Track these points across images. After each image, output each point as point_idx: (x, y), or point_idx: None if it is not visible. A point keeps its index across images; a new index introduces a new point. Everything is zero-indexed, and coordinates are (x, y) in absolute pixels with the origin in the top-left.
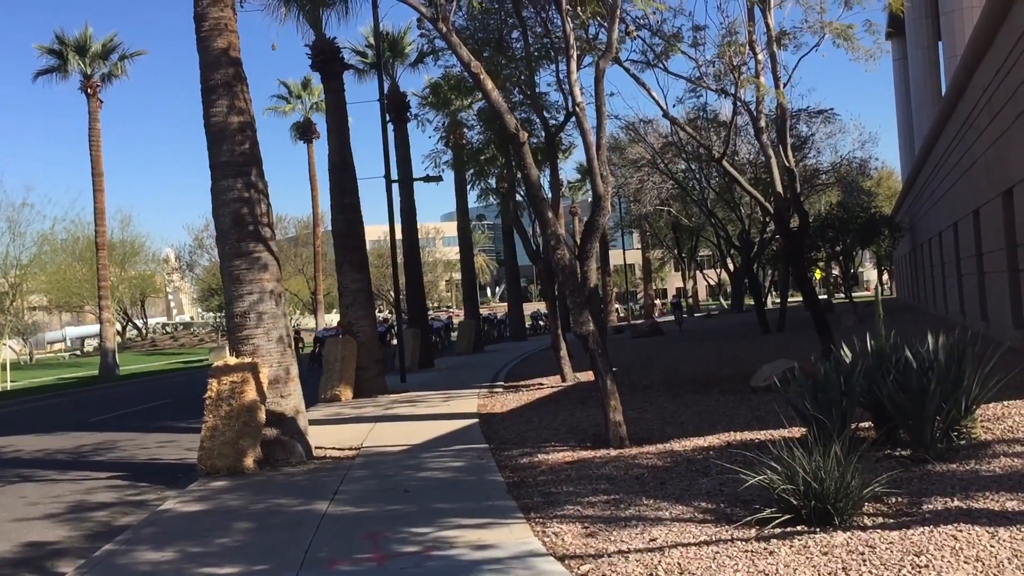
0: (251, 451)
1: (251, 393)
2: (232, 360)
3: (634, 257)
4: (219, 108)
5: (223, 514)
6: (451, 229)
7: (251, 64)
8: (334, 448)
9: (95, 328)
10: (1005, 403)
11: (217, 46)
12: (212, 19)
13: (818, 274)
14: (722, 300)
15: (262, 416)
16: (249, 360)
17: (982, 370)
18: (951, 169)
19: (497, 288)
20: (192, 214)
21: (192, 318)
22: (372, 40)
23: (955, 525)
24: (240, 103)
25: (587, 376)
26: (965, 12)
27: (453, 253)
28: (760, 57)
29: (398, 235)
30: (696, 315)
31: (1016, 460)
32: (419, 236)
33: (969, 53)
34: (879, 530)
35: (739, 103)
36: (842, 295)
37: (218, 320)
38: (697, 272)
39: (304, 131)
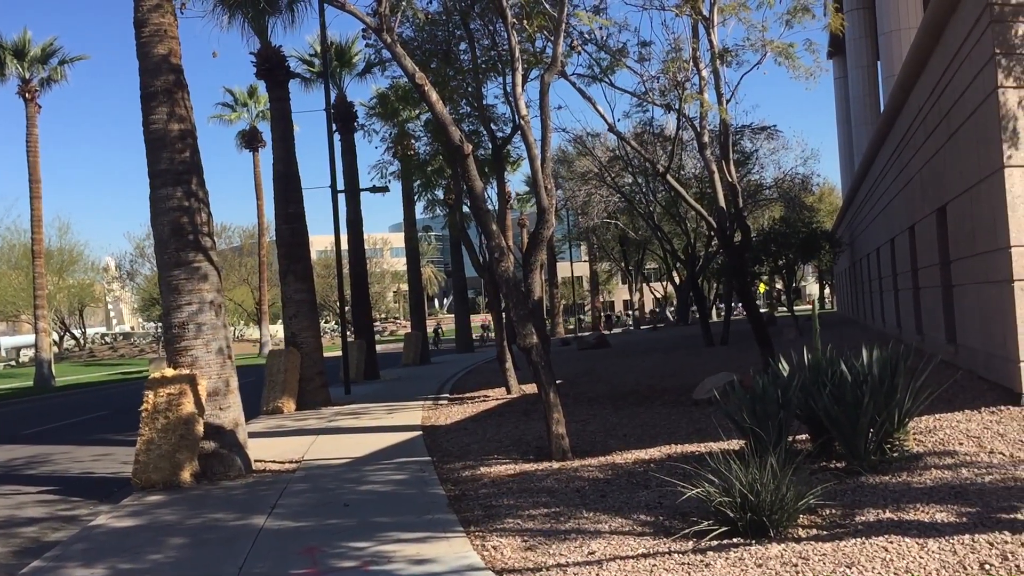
0: (188, 464)
1: (189, 405)
2: (169, 372)
3: (582, 269)
4: (159, 115)
5: (157, 529)
6: (399, 240)
7: (195, 71)
8: (274, 461)
9: (31, 338)
10: (937, 416)
11: (157, 52)
12: (152, 25)
13: (761, 288)
14: (667, 312)
15: (200, 429)
16: (187, 372)
17: (914, 383)
18: (888, 186)
19: (445, 299)
20: (133, 222)
21: (132, 328)
22: (319, 49)
23: (886, 536)
24: (181, 110)
25: (533, 388)
26: (902, 33)
27: (401, 264)
28: (704, 73)
29: (344, 245)
30: (642, 327)
31: (946, 472)
32: (366, 247)
33: (905, 73)
34: (813, 542)
35: (683, 118)
36: (784, 309)
37: (160, 331)
38: (644, 285)
39: (250, 139)
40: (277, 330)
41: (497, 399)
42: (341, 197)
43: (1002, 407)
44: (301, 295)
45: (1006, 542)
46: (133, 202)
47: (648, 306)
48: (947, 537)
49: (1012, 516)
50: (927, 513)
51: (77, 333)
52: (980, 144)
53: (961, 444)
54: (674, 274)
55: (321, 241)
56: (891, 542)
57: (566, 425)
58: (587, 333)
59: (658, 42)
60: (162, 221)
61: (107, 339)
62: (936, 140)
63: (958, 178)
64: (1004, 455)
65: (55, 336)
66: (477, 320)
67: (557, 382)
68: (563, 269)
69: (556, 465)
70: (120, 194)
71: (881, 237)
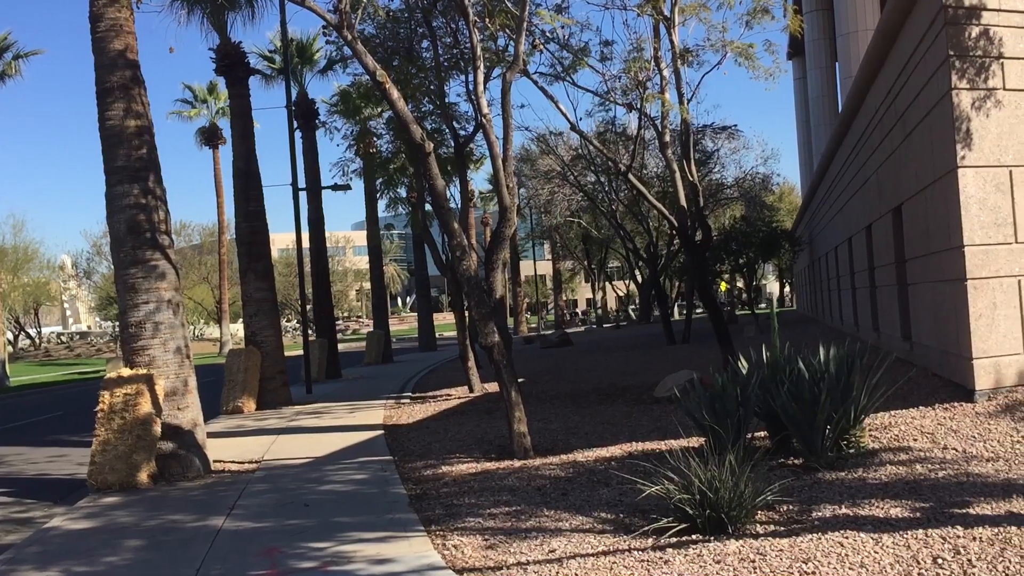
0: (145, 465)
1: (146, 406)
2: (126, 372)
3: (545, 268)
4: (115, 111)
5: (113, 531)
6: (362, 238)
7: (154, 67)
8: (233, 461)
9: None
10: (892, 412)
11: (114, 48)
12: (108, 20)
13: (723, 286)
14: (630, 311)
15: (157, 429)
16: (144, 372)
17: (870, 381)
18: (846, 186)
19: (408, 298)
20: (90, 219)
21: (89, 327)
22: (280, 45)
23: (842, 532)
24: (137, 107)
25: (495, 387)
26: (860, 35)
27: (364, 262)
28: (665, 73)
29: (305, 244)
30: (605, 325)
31: (901, 468)
32: (328, 245)
33: (862, 75)
34: (770, 538)
35: (645, 118)
36: (746, 307)
37: (117, 330)
38: (607, 283)
39: (210, 136)
40: (238, 329)
41: (460, 398)
42: (303, 195)
43: (955, 403)
44: (262, 294)
45: (958, 536)
46: (90, 199)
47: (611, 304)
48: (901, 532)
49: (964, 511)
50: (882, 509)
51: (32, 332)
52: (934, 145)
53: (915, 440)
54: (636, 273)
55: (283, 239)
56: (847, 537)
57: (528, 423)
58: (550, 331)
59: (620, 42)
60: (118, 219)
61: (63, 338)
62: (892, 141)
63: (913, 178)
64: (957, 451)
65: (9, 335)
66: (441, 319)
67: (519, 380)
68: (526, 267)
69: (518, 464)
70: (77, 191)
71: (839, 236)
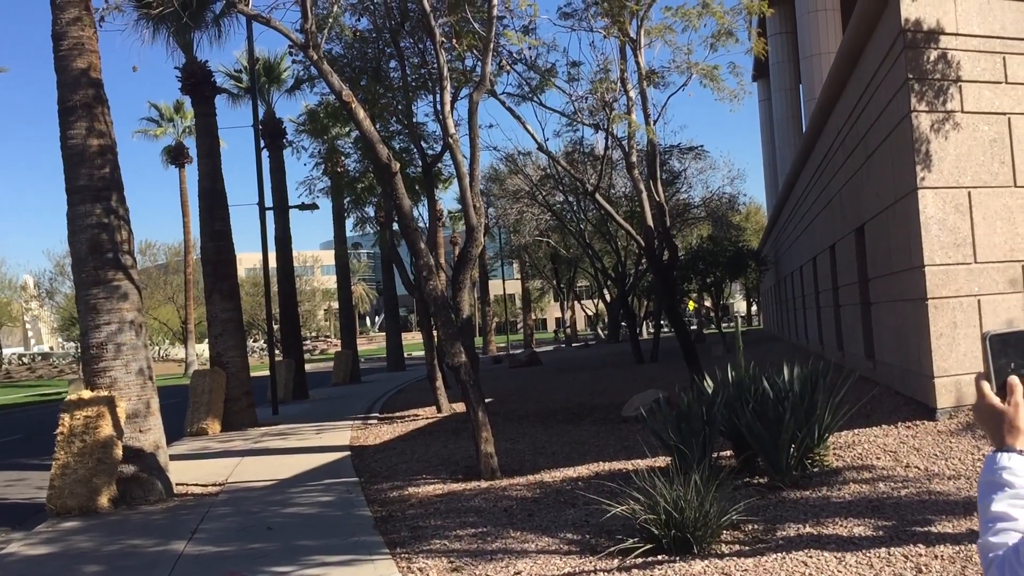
0: (106, 489)
1: (107, 428)
2: (87, 394)
3: (514, 287)
4: (77, 130)
5: (72, 557)
6: (329, 257)
7: (119, 85)
8: (197, 484)
9: None
10: (856, 431)
11: (76, 66)
12: (72, 38)
13: (691, 305)
14: (599, 330)
15: (119, 452)
16: (106, 394)
17: (834, 399)
18: (811, 206)
19: (377, 318)
20: (53, 239)
21: (52, 348)
22: (247, 64)
23: (806, 551)
24: (100, 125)
25: (464, 407)
26: (823, 57)
27: (331, 282)
28: (631, 94)
29: (272, 263)
30: (574, 344)
31: (864, 486)
32: (296, 264)
33: (824, 97)
34: (735, 557)
35: (612, 138)
36: (713, 326)
37: (79, 351)
38: (576, 302)
39: (176, 155)
40: (203, 350)
41: (427, 418)
42: (269, 214)
43: (918, 422)
44: (227, 314)
45: (920, 555)
46: (52, 218)
47: (580, 324)
48: (864, 551)
49: (926, 529)
50: (845, 527)
51: None
52: (895, 166)
53: (878, 458)
54: (605, 292)
55: (249, 259)
56: (811, 556)
57: (495, 444)
58: (519, 351)
59: (587, 62)
60: (80, 239)
61: (25, 359)
62: (854, 162)
63: (875, 199)
64: (919, 469)
65: None
66: (409, 339)
67: (487, 400)
68: (495, 287)
69: (484, 484)
70: (39, 210)
71: (804, 256)
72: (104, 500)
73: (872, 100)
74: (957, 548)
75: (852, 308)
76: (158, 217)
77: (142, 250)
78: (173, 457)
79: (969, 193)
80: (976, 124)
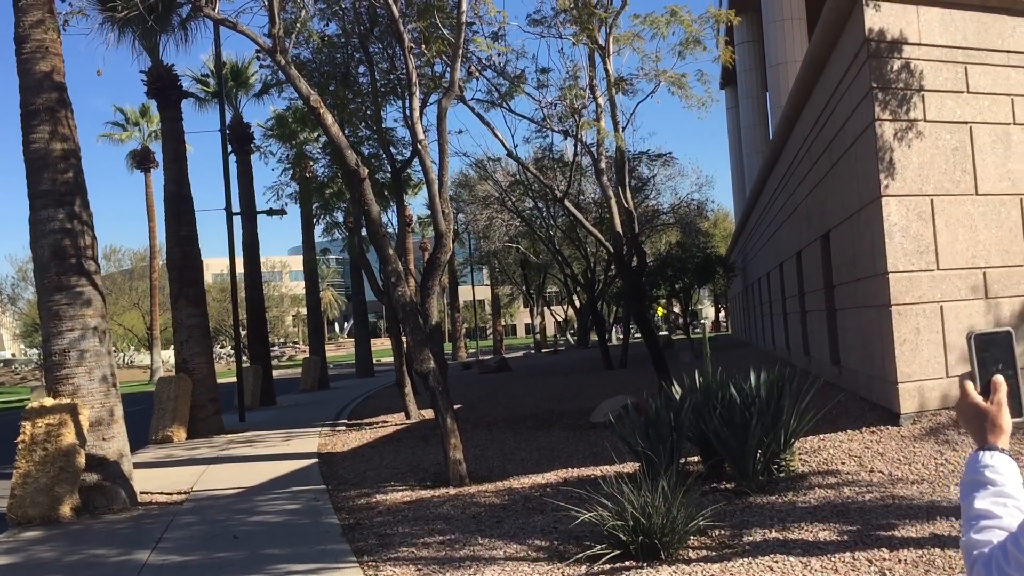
0: (68, 498)
1: (69, 436)
2: (49, 401)
3: (484, 293)
4: (40, 134)
5: (33, 567)
6: (298, 263)
7: (83, 89)
8: (162, 493)
9: None
10: (821, 436)
11: (39, 70)
12: (35, 41)
13: (660, 311)
14: (569, 336)
15: (81, 461)
16: (68, 401)
17: (800, 405)
18: (777, 213)
19: (346, 323)
20: (15, 244)
21: (14, 355)
22: (214, 68)
23: (772, 556)
24: (64, 129)
25: (432, 413)
26: (789, 66)
27: (300, 288)
28: (600, 101)
29: (240, 269)
30: (543, 351)
31: (830, 491)
32: (264, 270)
33: (790, 105)
34: (702, 563)
35: (581, 145)
36: (682, 332)
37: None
38: (545, 308)
39: (142, 159)
40: (169, 356)
41: (396, 425)
42: (237, 219)
43: (882, 427)
44: (194, 320)
45: (884, 559)
46: (15, 223)
47: (549, 330)
48: (829, 555)
49: (890, 533)
50: (811, 532)
51: None
52: (859, 174)
53: (843, 463)
54: (574, 298)
55: (217, 264)
56: (776, 561)
57: (464, 450)
58: (489, 356)
59: (556, 69)
60: (43, 244)
61: None
62: (819, 170)
63: (840, 206)
64: (883, 474)
65: None
66: (378, 345)
67: (456, 407)
68: (465, 293)
69: (453, 491)
70: (2, 215)
71: (771, 262)
72: (66, 509)
73: (837, 108)
74: (920, 552)
75: (818, 314)
76: (123, 222)
77: (107, 255)
78: (137, 465)
79: (932, 201)
80: (938, 133)
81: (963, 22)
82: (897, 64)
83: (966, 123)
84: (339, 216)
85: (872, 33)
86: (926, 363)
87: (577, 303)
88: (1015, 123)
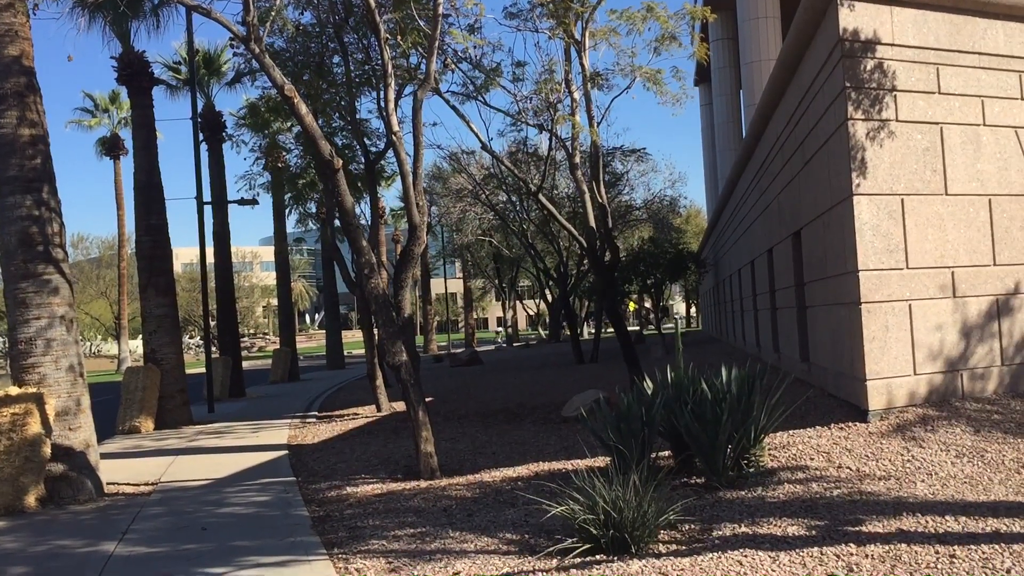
0: (33, 488)
1: (35, 426)
2: (14, 390)
3: (456, 286)
4: (8, 120)
5: None
6: (269, 253)
7: (52, 74)
8: (128, 484)
9: None
10: (790, 432)
11: (8, 54)
12: (3, 25)
13: (632, 306)
14: (540, 330)
15: (47, 451)
16: (34, 390)
17: (770, 401)
18: (749, 210)
19: (317, 315)
20: None
21: None
22: (186, 56)
23: (741, 551)
24: (32, 115)
25: (404, 406)
26: (763, 64)
27: (271, 278)
28: (576, 96)
29: (210, 258)
30: (515, 344)
31: (798, 487)
32: (235, 260)
33: (764, 103)
34: (672, 557)
35: (556, 139)
36: (653, 327)
37: (7, 346)
38: (517, 302)
39: (111, 147)
40: (137, 346)
41: (367, 417)
42: (207, 208)
43: (850, 423)
44: (162, 310)
45: (851, 554)
46: None
47: (522, 324)
48: (797, 550)
49: (858, 529)
50: (780, 527)
51: None
52: (831, 172)
53: (812, 459)
54: (547, 292)
55: (187, 254)
56: (745, 556)
57: (435, 443)
58: (460, 350)
59: (532, 63)
60: (9, 231)
61: None
62: (792, 167)
63: (812, 204)
64: (851, 470)
65: None
66: (349, 337)
67: (427, 399)
68: (437, 285)
69: (424, 484)
70: None
71: (743, 259)
72: (31, 499)
73: (810, 107)
74: (887, 547)
75: (788, 311)
76: (91, 210)
77: (74, 243)
78: (104, 456)
79: (902, 200)
80: (910, 133)
81: (936, 23)
82: (870, 64)
83: (937, 124)
84: (311, 207)
85: (846, 33)
86: (894, 361)
87: (549, 297)
88: (985, 124)
